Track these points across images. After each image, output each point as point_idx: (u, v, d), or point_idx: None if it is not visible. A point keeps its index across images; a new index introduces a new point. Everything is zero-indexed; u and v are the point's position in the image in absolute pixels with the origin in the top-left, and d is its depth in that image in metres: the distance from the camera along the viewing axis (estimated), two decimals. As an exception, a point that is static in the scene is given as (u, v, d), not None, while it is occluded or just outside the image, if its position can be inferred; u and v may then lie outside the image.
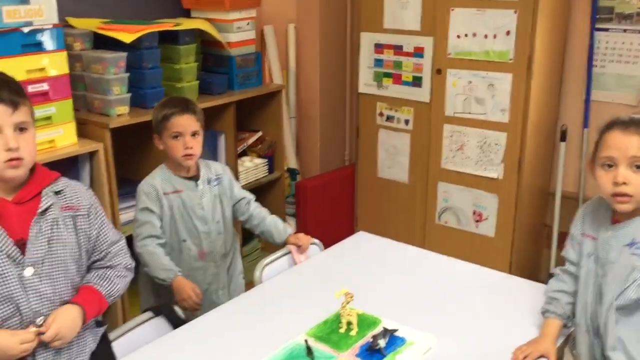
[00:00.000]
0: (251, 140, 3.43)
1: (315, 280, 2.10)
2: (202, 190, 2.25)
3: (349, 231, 3.38)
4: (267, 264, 2.17)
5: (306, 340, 1.70)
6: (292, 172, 3.77)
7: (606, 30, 3.18)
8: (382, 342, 1.66)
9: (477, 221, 3.33)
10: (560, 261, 1.81)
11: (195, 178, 2.25)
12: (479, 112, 3.17)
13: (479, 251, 3.25)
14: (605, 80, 3.22)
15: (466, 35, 3.13)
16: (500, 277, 2.14)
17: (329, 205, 3.74)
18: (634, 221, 1.56)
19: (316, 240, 2.33)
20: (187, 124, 2.15)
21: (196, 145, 2.17)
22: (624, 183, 1.50)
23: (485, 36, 3.06)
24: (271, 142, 3.50)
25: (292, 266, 2.23)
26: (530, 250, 3.43)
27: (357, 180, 3.82)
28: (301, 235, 2.30)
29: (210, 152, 3.03)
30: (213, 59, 3.21)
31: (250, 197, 2.40)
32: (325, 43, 3.85)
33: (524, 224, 3.26)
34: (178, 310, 1.88)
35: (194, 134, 2.16)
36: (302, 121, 3.98)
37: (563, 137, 3.30)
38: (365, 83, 3.60)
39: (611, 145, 1.53)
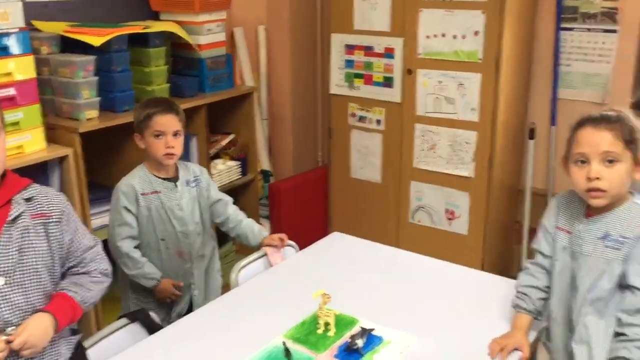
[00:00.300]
0: (224, 143, 3.41)
1: (291, 282, 2.10)
2: (180, 191, 2.26)
3: (323, 232, 3.39)
4: (243, 267, 2.16)
5: (284, 342, 1.70)
6: (265, 174, 3.76)
7: (571, 29, 3.25)
8: (359, 342, 1.66)
9: (449, 219, 3.37)
10: (532, 256, 1.84)
11: (174, 179, 2.27)
12: (449, 111, 3.21)
13: (452, 249, 3.29)
14: (571, 79, 3.29)
15: (435, 35, 3.16)
16: (473, 274, 2.18)
17: (303, 206, 3.75)
18: (607, 215, 1.59)
19: (291, 242, 2.33)
20: (169, 123, 2.17)
21: (177, 145, 2.20)
22: (597, 178, 1.53)
23: (454, 36, 3.10)
24: (244, 144, 3.49)
25: (268, 268, 2.22)
26: (502, 246, 3.48)
27: (330, 181, 3.83)
28: (276, 236, 2.30)
29: (182, 155, 3.00)
30: (183, 61, 3.18)
31: (228, 199, 2.41)
32: (295, 44, 3.86)
33: (495, 221, 3.31)
34: (154, 315, 1.86)
35: (175, 134, 2.19)
36: (274, 123, 3.98)
37: (532, 135, 3.36)
38: (337, 84, 3.62)
39: (583, 141, 1.56)
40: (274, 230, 3.59)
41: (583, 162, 1.56)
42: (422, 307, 1.91)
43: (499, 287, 2.00)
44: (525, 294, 1.75)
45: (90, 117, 2.61)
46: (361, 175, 3.65)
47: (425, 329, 1.77)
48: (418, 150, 3.36)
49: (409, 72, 3.29)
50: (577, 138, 1.58)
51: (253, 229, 2.34)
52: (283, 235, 2.30)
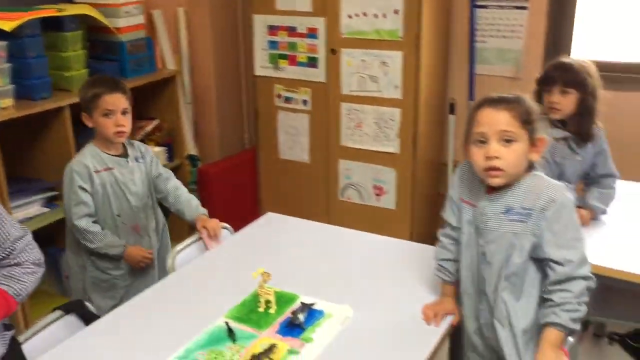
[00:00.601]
0: (149, 128, 3.34)
1: (229, 263, 2.10)
2: (132, 167, 2.33)
3: (254, 214, 3.39)
4: (179, 251, 2.15)
5: (227, 322, 1.71)
6: (193, 159, 3.71)
7: (485, 7, 3.38)
8: (301, 317, 1.70)
9: (377, 195, 3.46)
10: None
11: (124, 155, 2.32)
12: (373, 89, 3.28)
13: (381, 223, 3.38)
14: (487, 55, 3.44)
15: (357, 15, 3.21)
16: (403, 245, 2.26)
17: (232, 189, 3.73)
18: (508, 190, 1.60)
19: (226, 225, 2.34)
20: (117, 102, 2.21)
21: (127, 122, 2.25)
22: (496, 157, 1.54)
23: (375, 15, 3.16)
24: (169, 130, 3.43)
25: (205, 252, 2.22)
26: (429, 218, 3.61)
27: (258, 163, 3.83)
28: (209, 220, 2.30)
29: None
30: (102, 45, 3.08)
31: (168, 174, 2.46)
32: (216, 26, 3.80)
33: (421, 195, 3.43)
34: (89, 305, 1.82)
35: (124, 112, 2.23)
36: (198, 106, 3.92)
37: (452, 110, 3.49)
38: (261, 65, 3.61)
39: (482, 121, 1.58)
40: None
41: (482, 142, 1.57)
42: (358, 279, 1.97)
43: (427, 255, 2.07)
44: (442, 267, 1.81)
45: (5, 106, 2.50)
46: (290, 156, 3.67)
47: (362, 300, 1.83)
48: (345, 128, 3.42)
49: (332, 51, 3.33)
50: (477, 118, 1.59)
51: (191, 203, 2.38)
52: (217, 222, 2.29)
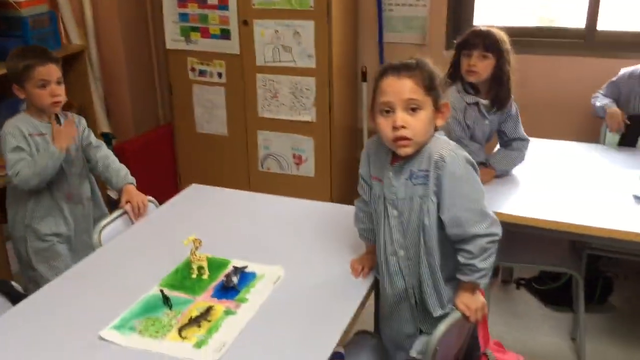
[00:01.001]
0: (58, 107, 3.21)
1: (157, 235, 2.11)
2: None
3: (174, 190, 3.37)
4: (104, 226, 2.12)
5: (161, 290, 1.73)
6: (107, 137, 3.62)
7: (391, -24, 3.49)
8: (234, 279, 1.75)
9: (297, 164, 3.53)
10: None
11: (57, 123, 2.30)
12: (287, 59, 3.32)
13: (302, 191, 3.44)
14: (394, 23, 3.56)
15: (267, -15, 3.23)
16: (324, 207, 2.36)
17: (151, 166, 3.68)
18: (410, 158, 1.61)
19: (152, 198, 2.33)
20: (51, 72, 2.20)
21: (62, 92, 2.25)
22: (403, 127, 1.54)
23: (286, -15, 3.19)
24: (80, 107, 3.32)
25: (130, 226, 2.20)
26: (347, 184, 3.73)
27: (176, 138, 3.80)
28: (135, 195, 2.28)
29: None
30: (3, 21, 2.93)
31: (99, 143, 2.45)
32: (122, -1, 3.69)
33: (339, 161, 3.53)
34: (16, 285, 1.78)
35: (58, 82, 2.23)
36: (109, 82, 3.81)
37: (364, 78, 3.60)
38: (173, 39, 3.55)
39: (387, 90, 1.56)
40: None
41: (388, 111, 1.56)
42: (286, 241, 2.04)
43: (349, 215, 2.13)
44: (361, 233, 1.88)
45: None
46: (207, 130, 3.66)
47: (292, 260, 1.90)
48: (261, 99, 3.45)
49: (244, 23, 3.33)
50: (381, 87, 1.58)
51: (119, 172, 2.38)
52: (141, 195, 2.29)
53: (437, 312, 1.67)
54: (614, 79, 2.89)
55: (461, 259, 1.59)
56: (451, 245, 1.62)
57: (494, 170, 2.49)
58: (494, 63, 2.37)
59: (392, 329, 1.80)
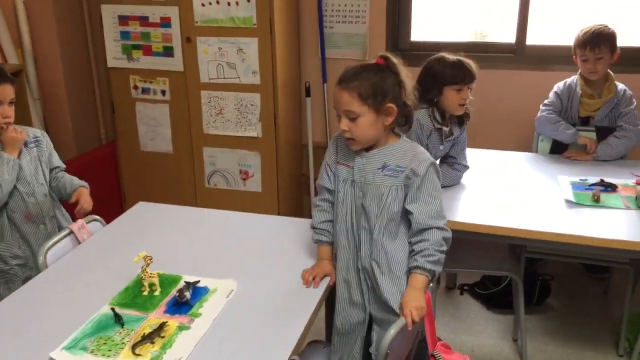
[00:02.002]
0: (-5, 128, 3.13)
1: (106, 253, 2.09)
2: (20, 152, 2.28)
3: (119, 209, 3.33)
4: (49, 248, 2.07)
5: (112, 309, 1.72)
6: (47, 157, 3.54)
7: (331, -6, 3.58)
8: (187, 294, 1.76)
9: (244, 179, 3.55)
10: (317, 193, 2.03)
11: None
12: (232, 76, 3.35)
13: (249, 207, 3.49)
14: (336, 39, 3.64)
15: (210, 3, 3.26)
16: (272, 220, 2.41)
17: (94, 186, 3.56)
18: (381, 150, 1.82)
19: (97, 217, 2.30)
20: (6, 92, 2.19)
21: (12, 113, 2.24)
22: (346, 130, 1.77)
23: (229, 3, 3.23)
24: (18, 128, 3.23)
25: (77, 245, 2.17)
26: (294, 198, 3.78)
27: (119, 157, 3.75)
28: (85, 194, 2.36)
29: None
30: None
31: (63, 166, 2.45)
32: (61, 17, 3.64)
33: (285, 176, 3.57)
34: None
35: (11, 102, 2.22)
36: (48, 103, 3.74)
37: (308, 93, 3.66)
38: (114, 57, 3.53)
39: (334, 99, 1.78)
40: (70, 213, 3.42)
41: (339, 116, 1.79)
42: (237, 255, 2.05)
43: (297, 226, 2.23)
44: (323, 229, 1.97)
45: None
46: (152, 147, 3.64)
47: (244, 273, 1.92)
48: (207, 116, 3.46)
49: (188, 40, 3.35)
50: (333, 95, 1.79)
51: (72, 181, 2.41)
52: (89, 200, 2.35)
53: (392, 302, 1.81)
54: (554, 93, 3.01)
55: (417, 247, 1.78)
56: (407, 236, 1.83)
57: None
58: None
59: (344, 316, 1.92)
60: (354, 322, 1.91)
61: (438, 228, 1.78)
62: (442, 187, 2.47)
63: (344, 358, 1.94)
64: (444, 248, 1.79)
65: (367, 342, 1.92)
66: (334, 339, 1.96)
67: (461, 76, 2.44)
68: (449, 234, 1.81)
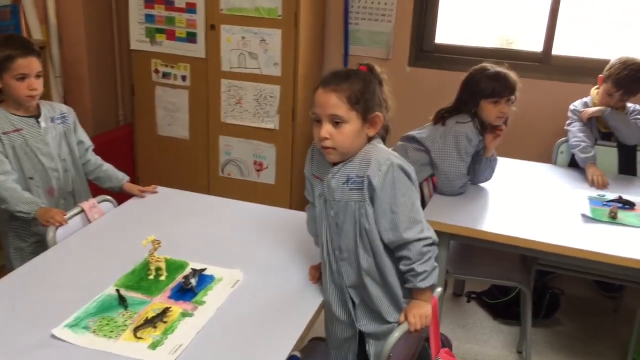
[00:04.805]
0: (15, 102, 3.15)
1: (115, 234, 2.09)
2: (45, 127, 2.29)
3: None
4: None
5: (117, 290, 1.72)
6: (64, 135, 3.56)
7: (359, -9, 3.55)
8: (193, 281, 1.75)
9: (258, 170, 3.54)
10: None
11: (35, 116, 2.28)
12: (253, 66, 3.34)
13: (261, 198, 3.47)
14: (360, 36, 3.62)
15: (236, -9, 3.25)
16: (283, 213, 2.40)
17: (108, 166, 3.62)
18: (348, 162, 1.66)
19: (109, 197, 2.31)
20: (32, 65, 2.18)
21: (40, 86, 2.22)
22: (327, 138, 1.60)
23: (255, -7, 3.21)
24: (38, 103, 3.25)
25: (87, 225, 2.17)
26: (306, 193, 3.76)
27: (135, 140, 3.76)
28: (135, 188, 2.41)
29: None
30: (-39, 11, 2.86)
31: (90, 143, 2.46)
32: (87, -4, 3.64)
33: (299, 170, 3.55)
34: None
35: (38, 75, 2.21)
36: (69, 81, 3.75)
37: (328, 89, 3.63)
38: (137, 39, 3.53)
39: (316, 102, 1.61)
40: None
41: (318, 121, 1.62)
42: (246, 246, 2.05)
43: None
44: (315, 236, 1.90)
45: None
46: (168, 132, 3.64)
47: (251, 264, 1.91)
48: (225, 105, 3.45)
49: (212, 27, 3.34)
50: (314, 97, 1.63)
51: (116, 173, 2.44)
52: (142, 188, 2.41)
53: (389, 317, 1.71)
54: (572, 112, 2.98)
55: (402, 267, 1.65)
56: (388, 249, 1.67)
57: None
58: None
59: (331, 332, 1.83)
60: (341, 338, 1.82)
61: (414, 240, 1.60)
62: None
63: None
64: (430, 255, 1.63)
65: (362, 354, 1.81)
66: (329, 350, 1.88)
67: (498, 89, 2.41)
68: (429, 239, 1.62)
